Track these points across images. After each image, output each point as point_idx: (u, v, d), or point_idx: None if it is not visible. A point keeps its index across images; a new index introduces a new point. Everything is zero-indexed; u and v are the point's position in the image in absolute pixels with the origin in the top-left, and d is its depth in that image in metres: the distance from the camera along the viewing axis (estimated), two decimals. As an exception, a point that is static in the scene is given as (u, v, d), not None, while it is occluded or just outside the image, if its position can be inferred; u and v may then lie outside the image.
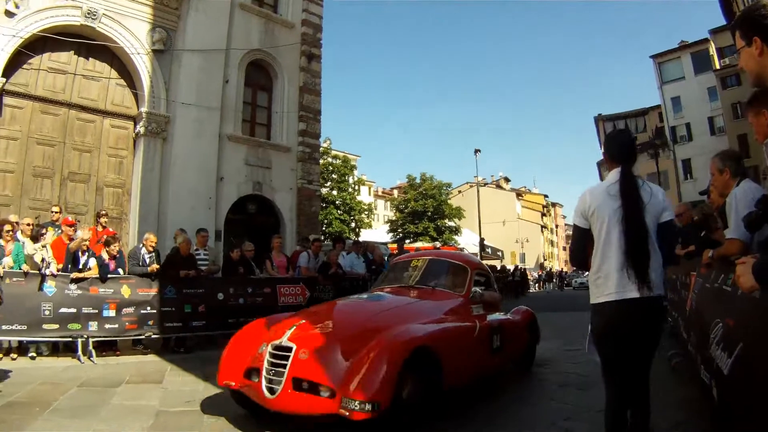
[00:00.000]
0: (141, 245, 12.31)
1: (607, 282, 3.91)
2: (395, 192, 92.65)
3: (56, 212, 12.92)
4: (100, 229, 13.28)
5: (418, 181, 62.40)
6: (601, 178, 47.68)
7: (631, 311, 3.82)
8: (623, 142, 4.27)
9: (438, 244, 42.73)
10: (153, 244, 12.18)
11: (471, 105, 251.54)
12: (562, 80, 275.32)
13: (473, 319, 7.45)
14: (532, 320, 9.62)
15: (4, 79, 14.89)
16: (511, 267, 48.95)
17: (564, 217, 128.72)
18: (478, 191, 49.69)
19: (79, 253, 10.92)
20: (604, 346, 4.04)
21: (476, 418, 6.25)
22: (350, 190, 54.59)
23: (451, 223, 60.18)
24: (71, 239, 11.07)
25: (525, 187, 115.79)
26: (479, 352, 7.22)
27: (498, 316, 8.53)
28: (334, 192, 52.15)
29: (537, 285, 68.53)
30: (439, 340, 6.10)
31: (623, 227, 3.88)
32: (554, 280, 72.91)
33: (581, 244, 4.24)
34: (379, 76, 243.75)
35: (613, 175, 4.09)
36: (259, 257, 14.26)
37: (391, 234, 57.88)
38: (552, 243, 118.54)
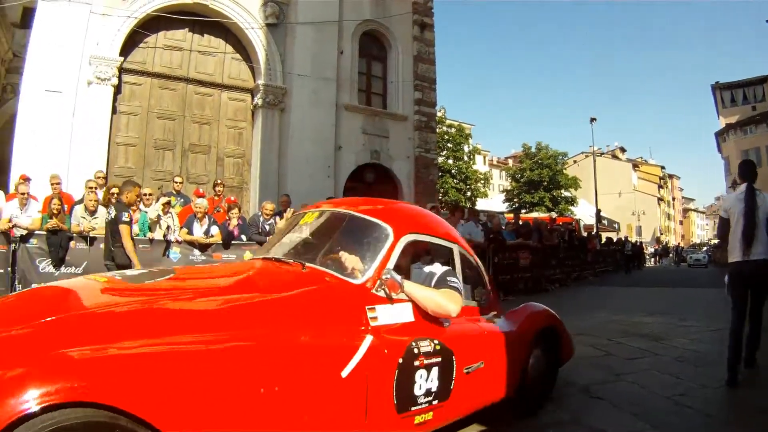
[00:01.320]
0: (260, 213, 12.22)
1: (734, 251, 6.37)
2: (510, 161, 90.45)
3: (179, 182, 13.11)
4: (216, 198, 13.29)
5: (533, 150, 60.09)
6: (719, 149, 45.33)
7: (745, 267, 6.27)
8: (748, 169, 6.62)
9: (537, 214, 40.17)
10: (270, 212, 12.01)
11: (586, 71, 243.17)
12: (678, 46, 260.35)
13: (354, 336, 3.54)
14: (547, 329, 5.58)
15: (122, 58, 15.38)
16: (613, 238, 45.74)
17: (681, 189, 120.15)
18: (594, 161, 47.19)
19: (197, 221, 10.89)
20: (732, 287, 6.42)
21: (589, 389, 6.12)
22: (465, 159, 53.27)
23: (567, 194, 57.72)
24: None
25: (641, 157, 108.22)
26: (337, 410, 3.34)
27: (468, 324, 4.66)
28: (450, 161, 50.99)
29: (653, 259, 65.62)
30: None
31: (743, 220, 6.26)
32: (671, 255, 68.62)
33: (725, 228, 6.58)
34: (493, 44, 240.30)
35: (742, 187, 6.48)
36: None
37: (507, 203, 56.70)
38: (669, 216, 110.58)
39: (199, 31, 17.10)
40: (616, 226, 55.97)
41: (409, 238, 4.26)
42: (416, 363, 3.80)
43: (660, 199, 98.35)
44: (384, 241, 4.14)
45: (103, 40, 15.10)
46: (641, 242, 55.03)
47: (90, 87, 14.90)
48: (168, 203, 11.26)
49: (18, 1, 21.83)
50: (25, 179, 10.66)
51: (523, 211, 47.72)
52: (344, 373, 3.32)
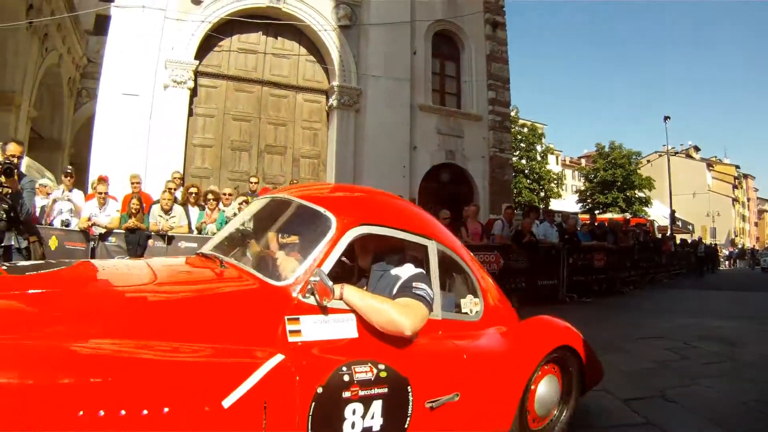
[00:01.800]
0: None
1: None
2: (582, 161, 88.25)
3: (255, 182, 12.93)
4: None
5: (607, 149, 58.18)
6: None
7: None
8: None
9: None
10: None
11: (659, 68, 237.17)
12: (753, 41, 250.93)
13: (254, 354, 2.72)
14: (562, 349, 4.33)
15: (198, 62, 15.66)
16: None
17: (756, 190, 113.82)
18: (668, 161, 45.59)
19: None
20: None
21: (665, 393, 5.64)
22: (538, 159, 52.42)
23: (641, 194, 55.72)
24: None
25: (715, 156, 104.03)
26: None
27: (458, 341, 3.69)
28: (523, 161, 50.30)
29: (728, 262, 62.57)
30: None
31: None
32: (746, 258, 65.20)
33: None
34: (564, 42, 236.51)
35: None
36: (454, 225, 13.16)
37: (580, 204, 55.16)
38: (743, 218, 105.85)
39: (273, 34, 17.11)
40: (690, 227, 54.37)
41: (360, 230, 3.35)
42: (346, 394, 2.88)
43: (734, 200, 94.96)
44: (324, 233, 3.27)
45: (178, 44, 15.32)
46: (716, 244, 53.07)
47: (166, 90, 15.07)
48: (245, 202, 11.00)
49: (91, 9, 22.28)
50: (103, 179, 10.72)
51: (596, 212, 46.43)
52: (227, 403, 2.48)
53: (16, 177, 6.37)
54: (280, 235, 3.82)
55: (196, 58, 15.54)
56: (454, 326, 3.76)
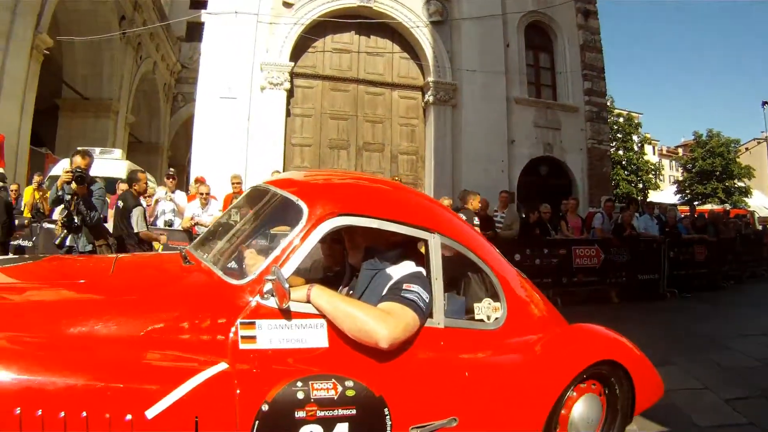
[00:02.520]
0: None
1: None
2: (680, 150, 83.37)
3: (237, 183, 12.71)
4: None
5: (705, 137, 54.73)
6: None
7: None
8: None
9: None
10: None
11: (756, 51, 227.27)
12: None
13: (191, 361, 2.39)
14: (605, 364, 3.54)
15: (293, 63, 15.76)
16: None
17: None
18: (768, 148, 43.08)
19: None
20: None
21: None
22: (635, 149, 50.63)
23: (741, 184, 52.24)
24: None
25: None
26: None
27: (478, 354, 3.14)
28: (620, 152, 48.53)
29: None
30: None
31: None
32: None
33: None
34: (657, 27, 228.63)
35: None
36: (554, 219, 13.04)
37: (678, 195, 52.15)
38: None
39: (366, 33, 17.00)
40: (790, 219, 51.26)
41: (337, 221, 2.83)
42: (299, 414, 2.45)
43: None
44: (294, 224, 2.80)
45: (272, 47, 15.49)
46: (814, 239, 49.85)
47: (263, 92, 15.25)
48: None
49: (182, 18, 22.77)
50: (201, 181, 10.88)
51: (695, 203, 44.38)
52: (151, 413, 2.16)
53: (85, 185, 6.61)
54: (258, 228, 3.43)
55: (291, 59, 15.65)
56: (462, 336, 3.09)
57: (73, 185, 6.55)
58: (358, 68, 16.85)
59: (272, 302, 2.53)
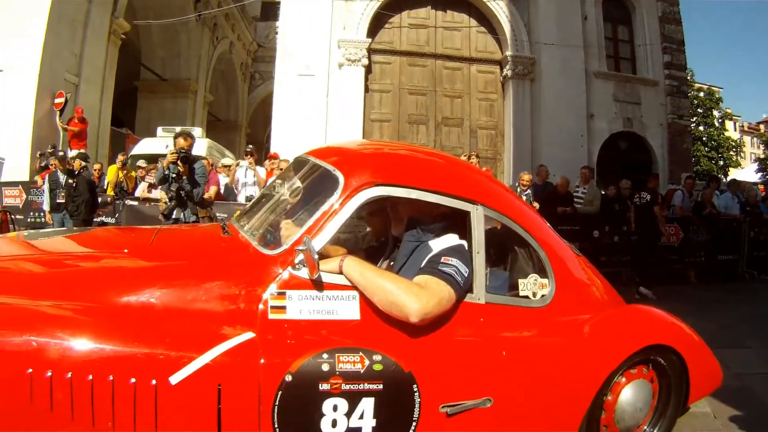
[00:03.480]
0: (517, 183, 11.45)
1: None
2: (761, 127, 79.90)
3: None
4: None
5: None
6: None
7: None
8: None
9: None
10: (527, 183, 11.15)
11: None
12: None
13: (216, 330, 2.38)
14: (658, 349, 3.24)
15: (370, 39, 15.59)
16: None
17: None
18: None
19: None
20: None
21: None
22: (716, 125, 48.71)
23: None
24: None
25: None
26: None
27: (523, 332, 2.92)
28: (701, 128, 46.74)
29: None
30: None
31: None
32: None
33: None
34: None
35: None
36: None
37: (759, 174, 48.39)
38: None
39: (442, 7, 16.61)
40: None
41: (374, 192, 2.70)
42: (323, 386, 2.37)
43: None
44: (330, 194, 2.68)
45: (349, 24, 15.48)
46: None
47: (341, 69, 15.21)
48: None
49: None
50: (274, 157, 11.04)
51: (779, 183, 42.56)
52: (174, 379, 2.17)
53: (188, 164, 7.20)
54: (296, 199, 3.27)
55: (368, 36, 15.54)
56: (504, 313, 2.89)
57: (179, 165, 7.04)
58: (435, 43, 16.54)
59: (304, 273, 2.48)
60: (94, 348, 2.11)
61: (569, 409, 2.90)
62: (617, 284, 3.95)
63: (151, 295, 2.41)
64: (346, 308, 2.51)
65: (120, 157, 12.34)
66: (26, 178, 12.40)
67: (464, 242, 2.80)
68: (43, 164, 11.79)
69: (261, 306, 2.43)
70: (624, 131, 18.01)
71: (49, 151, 11.75)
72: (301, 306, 2.47)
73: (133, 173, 12.18)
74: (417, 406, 2.48)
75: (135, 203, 10.31)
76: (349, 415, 2.38)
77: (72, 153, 11.12)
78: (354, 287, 2.52)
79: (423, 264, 2.67)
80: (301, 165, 3.37)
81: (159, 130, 14.56)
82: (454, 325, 2.64)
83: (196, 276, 2.57)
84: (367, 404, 2.39)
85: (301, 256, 2.47)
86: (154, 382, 2.10)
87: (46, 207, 9.50)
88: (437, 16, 16.64)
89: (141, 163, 11.74)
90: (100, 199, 10.34)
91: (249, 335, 2.32)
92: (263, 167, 11.31)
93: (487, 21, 16.95)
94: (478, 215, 2.83)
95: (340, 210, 2.59)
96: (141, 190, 10.94)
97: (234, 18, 24.77)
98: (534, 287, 3.02)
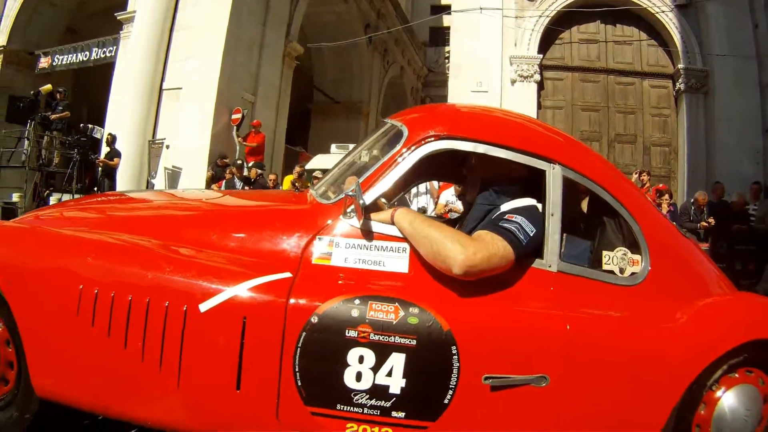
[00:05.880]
0: (692, 201, 10.93)
1: None
2: None
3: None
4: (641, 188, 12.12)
5: None
6: None
7: None
8: None
9: None
10: (702, 202, 10.60)
11: None
12: None
13: (256, 268, 2.26)
14: (760, 345, 2.44)
15: (541, 56, 15.56)
16: None
17: None
18: None
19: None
20: None
21: None
22: None
23: None
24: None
25: None
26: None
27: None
28: None
29: None
30: None
31: None
32: None
33: None
34: None
35: None
36: None
37: None
38: None
39: (611, 21, 16.19)
40: None
41: (437, 145, 2.40)
42: (350, 333, 2.10)
43: None
44: (393, 146, 2.46)
45: (519, 40, 15.50)
46: None
47: (514, 85, 15.24)
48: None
49: (423, 20, 23.18)
50: None
51: None
52: (203, 307, 2.12)
53: None
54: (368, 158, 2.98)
55: (538, 52, 15.46)
56: (580, 285, 2.39)
57: None
58: (606, 58, 16.16)
59: (354, 222, 2.30)
60: (139, 273, 2.20)
61: (646, 408, 2.36)
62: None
63: (202, 234, 2.46)
64: (394, 260, 2.29)
65: (297, 168, 12.51)
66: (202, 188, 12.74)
67: (539, 205, 2.44)
68: (215, 173, 12.24)
69: (306, 250, 2.31)
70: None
71: (220, 161, 12.27)
72: (347, 254, 2.30)
73: (309, 184, 12.34)
74: (455, 371, 2.13)
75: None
76: (375, 369, 2.10)
77: (249, 165, 11.72)
78: (405, 239, 2.29)
79: (485, 222, 2.40)
80: (381, 127, 3.11)
81: (333, 147, 14.75)
82: (515, 291, 2.29)
83: (249, 218, 2.65)
84: (397, 360, 2.10)
85: (352, 206, 2.30)
86: (185, 308, 2.11)
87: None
88: (607, 30, 16.26)
89: (317, 174, 11.84)
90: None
91: (285, 275, 2.20)
92: (435, 181, 11.07)
93: (657, 33, 16.34)
94: (555, 175, 2.44)
95: (400, 162, 2.38)
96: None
97: (404, 44, 25.10)
98: (622, 262, 2.52)
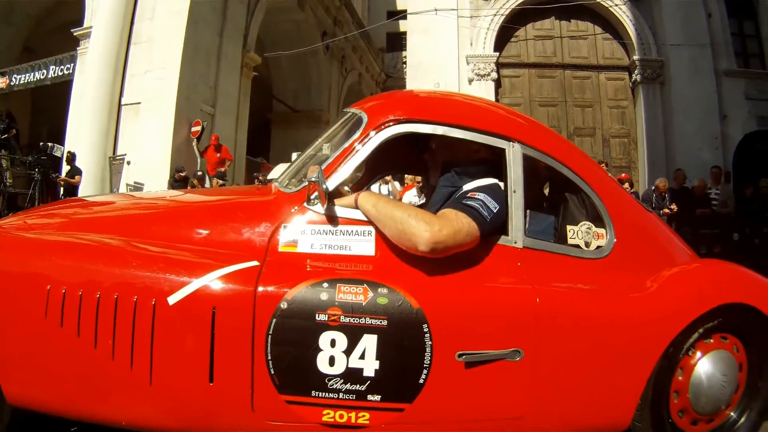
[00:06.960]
0: (653, 188, 11.07)
1: None
2: None
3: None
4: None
5: None
6: None
7: None
8: None
9: None
10: (663, 189, 10.70)
11: None
12: None
13: (223, 258, 2.21)
14: (737, 308, 2.46)
15: (497, 54, 15.68)
16: None
17: None
18: None
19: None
20: None
21: None
22: None
23: None
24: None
25: None
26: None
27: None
28: None
29: None
30: None
31: None
32: None
33: None
34: None
35: None
36: None
37: None
38: None
39: (566, 17, 16.26)
40: None
41: (395, 129, 2.41)
42: (321, 317, 2.07)
43: None
44: (353, 133, 2.48)
45: (475, 39, 15.58)
46: None
47: (471, 84, 15.29)
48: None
49: (378, 24, 23.31)
50: None
51: None
52: (172, 299, 2.06)
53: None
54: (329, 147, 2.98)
55: (495, 50, 15.58)
56: (547, 260, 2.42)
57: None
58: (562, 53, 16.18)
59: (318, 208, 2.30)
60: (106, 270, 2.15)
61: (622, 376, 2.35)
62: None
63: (167, 229, 2.41)
64: (361, 243, 2.29)
65: (259, 178, 12.61)
66: (163, 202, 12.57)
67: (501, 183, 2.45)
68: (173, 188, 12.04)
69: (272, 239, 2.29)
70: (759, 130, 16.61)
71: (177, 175, 12.09)
72: (313, 240, 2.28)
73: (270, 192, 12.19)
74: (428, 350, 2.11)
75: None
76: (348, 352, 2.07)
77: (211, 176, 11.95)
78: (370, 222, 2.29)
79: (449, 202, 2.40)
80: (342, 117, 3.07)
81: (294, 155, 14.22)
82: (483, 268, 2.29)
83: (214, 211, 2.63)
84: (369, 342, 2.08)
85: (315, 193, 2.30)
86: (153, 301, 2.06)
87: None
88: (561, 26, 16.31)
89: (279, 181, 11.73)
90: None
91: (252, 263, 2.17)
92: (397, 182, 11.07)
93: (611, 27, 16.44)
94: (515, 152, 2.45)
95: (361, 149, 2.38)
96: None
97: (361, 50, 25.22)
98: (587, 236, 2.55)
